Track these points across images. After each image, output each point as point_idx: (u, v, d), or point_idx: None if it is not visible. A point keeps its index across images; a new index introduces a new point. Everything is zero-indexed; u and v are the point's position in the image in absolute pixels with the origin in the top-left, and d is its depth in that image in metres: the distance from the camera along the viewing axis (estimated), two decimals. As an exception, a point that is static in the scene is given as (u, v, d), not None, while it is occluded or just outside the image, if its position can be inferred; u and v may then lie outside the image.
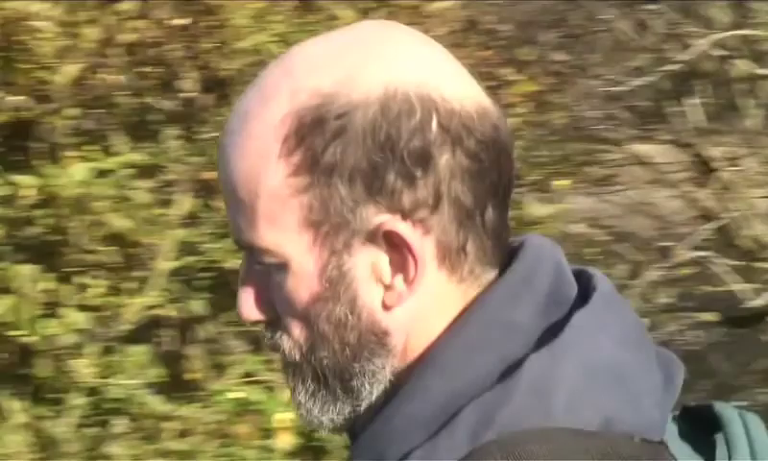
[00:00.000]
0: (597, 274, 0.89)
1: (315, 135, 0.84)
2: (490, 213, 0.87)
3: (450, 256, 0.86)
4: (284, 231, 0.86)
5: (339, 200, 0.84)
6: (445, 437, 0.80)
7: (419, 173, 0.84)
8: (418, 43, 0.90)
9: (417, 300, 0.86)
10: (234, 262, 3.53)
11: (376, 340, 0.87)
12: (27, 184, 3.82)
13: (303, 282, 0.86)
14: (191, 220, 3.98)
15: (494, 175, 0.87)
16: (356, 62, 0.86)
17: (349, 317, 0.86)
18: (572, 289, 0.87)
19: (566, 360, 0.81)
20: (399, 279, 0.85)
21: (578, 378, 0.81)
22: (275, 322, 0.89)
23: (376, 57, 0.87)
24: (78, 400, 3.78)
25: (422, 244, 0.84)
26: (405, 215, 0.84)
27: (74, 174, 3.81)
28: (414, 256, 0.84)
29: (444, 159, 0.84)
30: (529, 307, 0.85)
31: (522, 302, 0.85)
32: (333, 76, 0.85)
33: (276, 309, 0.88)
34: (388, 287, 0.86)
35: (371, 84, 0.84)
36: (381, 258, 0.86)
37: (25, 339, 3.74)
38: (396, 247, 0.85)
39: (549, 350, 0.81)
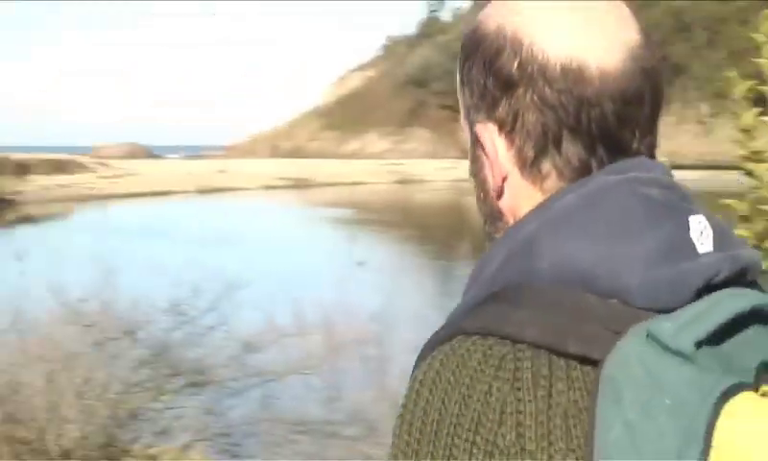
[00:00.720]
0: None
1: (465, 58, 1.25)
2: (568, 147, 1.14)
3: (527, 169, 1.17)
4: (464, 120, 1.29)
5: (470, 103, 1.23)
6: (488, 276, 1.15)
7: (500, 95, 1.17)
8: (554, 5, 1.18)
9: (511, 195, 1.20)
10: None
11: (498, 216, 1.23)
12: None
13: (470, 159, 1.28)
14: None
15: (573, 121, 1.13)
16: (494, 7, 1.23)
17: (482, 196, 1.25)
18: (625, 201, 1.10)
19: (566, 237, 1.08)
20: (490, 175, 1.22)
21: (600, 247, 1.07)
22: None
23: (505, 5, 1.21)
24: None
25: (504, 152, 1.18)
26: (499, 126, 1.18)
27: None
28: (488, 158, 1.20)
29: (520, 92, 1.15)
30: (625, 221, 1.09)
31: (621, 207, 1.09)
32: (483, 16, 1.24)
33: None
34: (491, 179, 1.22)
35: (491, 25, 1.20)
36: (482, 156, 1.23)
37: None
38: (484, 149, 1.21)
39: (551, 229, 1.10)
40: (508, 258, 1.13)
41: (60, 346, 8.30)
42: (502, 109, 1.18)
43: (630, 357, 0.99)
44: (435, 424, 1.04)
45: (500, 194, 1.21)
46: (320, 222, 46.11)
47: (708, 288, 1.04)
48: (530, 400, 1.02)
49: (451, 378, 1.05)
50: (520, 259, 1.11)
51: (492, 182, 1.22)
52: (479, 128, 1.21)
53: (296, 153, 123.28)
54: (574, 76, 1.13)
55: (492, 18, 1.21)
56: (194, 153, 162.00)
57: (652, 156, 1.20)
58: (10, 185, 68.89)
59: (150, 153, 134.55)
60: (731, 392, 0.93)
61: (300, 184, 73.80)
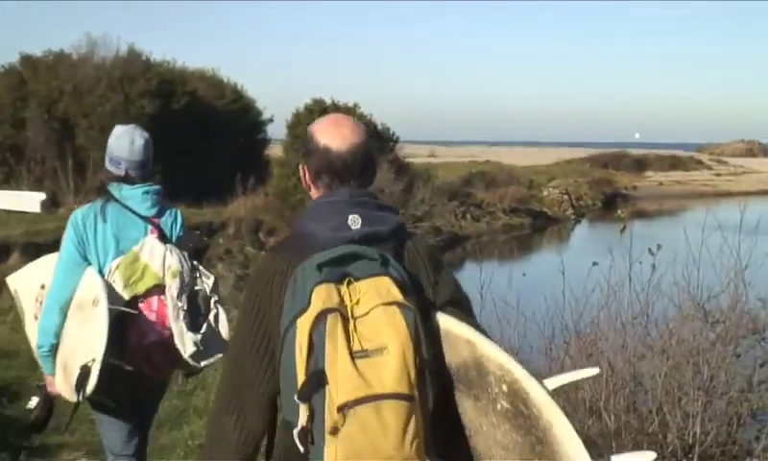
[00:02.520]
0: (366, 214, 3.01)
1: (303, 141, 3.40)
2: (323, 179, 3.08)
3: (312, 185, 3.14)
4: None
5: (300, 157, 3.23)
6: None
7: (306, 156, 3.13)
8: (332, 121, 3.18)
9: (310, 194, 3.16)
10: None
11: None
12: None
13: None
14: None
15: (325, 168, 3.07)
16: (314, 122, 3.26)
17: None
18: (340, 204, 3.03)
19: (313, 216, 3.03)
20: (305, 184, 3.20)
21: (316, 220, 3.00)
22: None
23: (315, 122, 3.21)
24: None
25: (307, 177, 3.16)
26: (306, 167, 3.15)
27: None
28: (304, 178, 3.17)
29: (310, 155, 3.11)
30: (320, 211, 3.02)
31: (316, 208, 3.04)
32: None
33: None
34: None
35: (309, 128, 3.21)
36: (303, 177, 3.21)
37: None
38: (304, 175, 3.18)
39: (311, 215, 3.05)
40: (295, 222, 3.10)
41: (684, 341, 8.29)
42: (307, 161, 3.12)
43: (305, 266, 2.76)
44: (249, 283, 3.10)
45: (308, 191, 3.16)
46: None
47: (354, 242, 2.87)
48: (279, 278, 2.91)
49: (260, 266, 3.10)
50: (296, 223, 3.07)
51: (306, 187, 3.18)
52: (302, 168, 3.19)
53: None
54: (327, 151, 3.04)
55: (310, 126, 3.18)
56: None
57: (362, 185, 3.07)
58: (626, 181, 70.48)
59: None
60: (322, 282, 2.70)
61: None
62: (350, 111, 33.22)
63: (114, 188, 5.23)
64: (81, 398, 4.88)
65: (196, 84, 37.96)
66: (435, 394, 2.80)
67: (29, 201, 27.88)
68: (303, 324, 2.67)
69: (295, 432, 2.72)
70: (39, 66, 35.60)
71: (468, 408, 2.97)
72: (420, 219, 30.65)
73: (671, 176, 74.37)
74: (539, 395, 2.73)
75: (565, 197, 62.57)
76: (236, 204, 31.43)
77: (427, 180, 35.27)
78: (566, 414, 2.78)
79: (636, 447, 7.89)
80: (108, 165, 5.33)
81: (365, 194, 3.04)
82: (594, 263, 9.22)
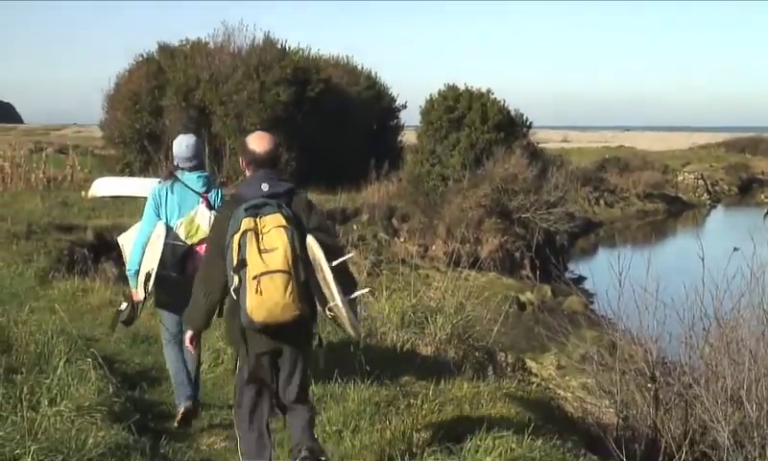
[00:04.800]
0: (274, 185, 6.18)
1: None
2: (252, 167, 6.28)
3: (247, 169, 6.34)
4: None
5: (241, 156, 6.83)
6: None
7: (243, 154, 6.44)
8: (257, 135, 6.44)
9: (246, 173, 6.38)
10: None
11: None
12: None
13: None
14: None
15: (253, 161, 6.28)
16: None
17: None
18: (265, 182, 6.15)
19: (245, 186, 6.28)
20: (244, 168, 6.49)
21: (247, 187, 6.23)
22: None
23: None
24: None
25: (243, 164, 6.42)
26: (246, 161, 6.35)
27: None
28: (242, 165, 6.44)
29: (246, 154, 6.33)
30: (249, 184, 6.24)
31: (247, 181, 6.29)
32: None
33: None
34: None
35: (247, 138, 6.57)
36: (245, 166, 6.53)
37: None
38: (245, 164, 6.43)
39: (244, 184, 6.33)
40: (237, 188, 6.71)
41: None
42: (244, 156, 6.39)
43: (239, 209, 5.94)
44: (215, 218, 6.93)
45: (245, 172, 6.39)
46: None
47: (264, 197, 6.03)
48: (227, 216, 6.03)
49: (220, 210, 7.01)
50: (237, 188, 6.58)
51: (243, 169, 6.45)
52: (241, 159, 6.47)
53: None
54: (253, 152, 6.26)
55: (246, 137, 6.53)
56: None
57: (271, 168, 6.26)
58: (764, 166, 68.93)
59: None
60: (247, 217, 5.88)
61: None
62: (483, 97, 33.13)
63: (179, 173, 8.46)
64: (146, 293, 8.18)
65: (330, 72, 38.19)
66: (303, 271, 5.88)
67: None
68: (235, 238, 5.82)
69: (232, 290, 5.86)
70: (177, 55, 36.56)
71: (315, 276, 6.04)
72: (554, 205, 30.37)
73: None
74: (324, 265, 5.88)
75: (701, 182, 61.55)
76: (370, 190, 31.64)
77: (560, 165, 34.97)
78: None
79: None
80: (174, 160, 8.57)
81: (272, 173, 6.27)
82: (736, 249, 9.11)
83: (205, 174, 8.51)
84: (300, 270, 5.81)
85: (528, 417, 8.40)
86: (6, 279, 15.18)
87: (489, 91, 33.51)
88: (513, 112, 33.78)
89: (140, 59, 37.73)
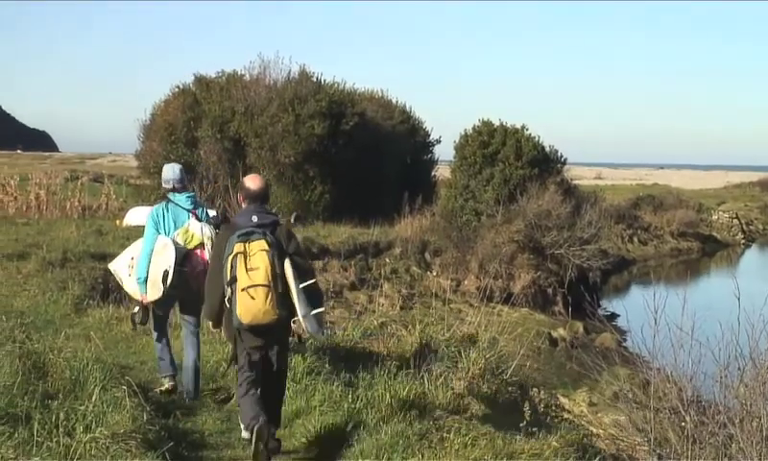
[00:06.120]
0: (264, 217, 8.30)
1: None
2: (247, 201, 8.43)
3: (243, 201, 8.51)
4: None
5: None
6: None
7: (241, 191, 8.61)
8: (251, 176, 8.67)
9: (243, 206, 8.61)
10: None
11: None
12: None
13: None
14: None
15: (248, 197, 8.43)
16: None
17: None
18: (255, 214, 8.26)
19: (239, 216, 8.48)
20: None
21: (241, 217, 8.39)
22: None
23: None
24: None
25: (240, 198, 8.69)
26: (242, 196, 8.56)
27: None
28: (239, 200, 8.84)
29: (241, 191, 8.60)
30: (242, 215, 8.40)
31: (241, 213, 8.45)
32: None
33: None
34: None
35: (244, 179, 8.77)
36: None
37: None
38: (241, 199, 8.72)
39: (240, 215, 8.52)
40: (234, 218, 8.86)
41: None
42: (240, 192, 8.66)
43: (233, 235, 8.05)
44: (217, 240, 8.87)
45: (240, 205, 8.72)
46: None
47: (253, 226, 8.12)
48: (225, 240, 8.17)
49: (220, 235, 8.71)
50: (234, 218, 8.85)
51: (238, 203, 8.96)
52: (239, 196, 8.76)
53: None
54: (248, 189, 8.44)
55: (243, 178, 8.84)
56: None
57: (261, 204, 8.42)
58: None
59: None
60: (238, 242, 7.99)
61: None
62: (517, 133, 33.12)
63: (171, 195, 10.56)
64: (165, 287, 10.06)
65: (365, 105, 38.15)
66: (281, 284, 7.93)
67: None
68: (229, 258, 7.94)
69: (226, 300, 8.03)
70: (213, 87, 36.66)
71: (291, 289, 8.01)
72: (587, 241, 30.26)
73: None
74: (293, 285, 7.99)
75: (735, 221, 61.18)
76: (403, 224, 31.62)
77: (594, 202, 34.86)
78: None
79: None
80: (164, 184, 10.72)
81: (261, 208, 8.34)
82: (774, 288, 9.07)
83: (192, 194, 10.86)
84: (279, 284, 7.97)
85: (562, 453, 8.38)
86: (41, 306, 15.34)
87: (523, 127, 33.49)
88: (547, 148, 33.73)
89: (176, 90, 38.02)
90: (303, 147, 32.90)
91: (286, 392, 9.20)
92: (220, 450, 8.64)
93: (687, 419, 8.99)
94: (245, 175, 9.12)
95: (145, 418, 8.30)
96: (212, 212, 11.22)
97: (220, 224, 10.34)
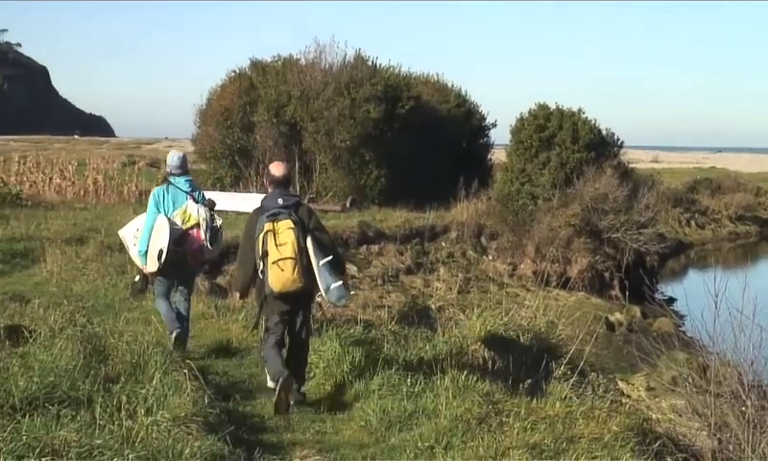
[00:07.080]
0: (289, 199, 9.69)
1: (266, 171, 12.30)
2: (273, 186, 9.77)
3: (268, 185, 9.95)
4: None
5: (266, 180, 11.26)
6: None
7: (267, 177, 10.22)
8: (275, 163, 10.12)
9: (268, 190, 10.02)
10: None
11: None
12: None
13: None
14: None
15: (273, 182, 9.80)
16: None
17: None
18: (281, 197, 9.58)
19: (267, 199, 9.69)
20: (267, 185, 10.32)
21: (268, 201, 9.61)
22: None
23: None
24: None
25: (266, 184, 10.31)
26: (268, 181, 10.08)
27: None
28: (266, 184, 10.72)
29: (267, 178, 10.17)
30: (269, 198, 9.65)
31: (268, 196, 9.71)
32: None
33: None
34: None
35: (270, 165, 10.33)
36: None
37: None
38: (268, 183, 10.15)
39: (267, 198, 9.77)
40: (262, 200, 9.75)
41: None
42: (266, 178, 10.49)
43: (263, 215, 9.35)
44: (248, 220, 9.74)
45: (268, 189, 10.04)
46: None
47: (279, 207, 9.38)
48: (255, 220, 9.45)
49: (251, 216, 9.71)
50: (262, 201, 9.73)
51: (266, 187, 10.34)
52: (265, 181, 11.73)
53: None
54: (273, 176, 9.79)
55: (269, 164, 10.65)
56: None
57: (285, 187, 9.74)
58: None
59: None
60: (267, 221, 9.27)
61: None
62: (574, 116, 32.89)
63: (171, 178, 11.84)
64: (160, 264, 11.28)
65: (420, 89, 38.14)
66: (305, 257, 9.22)
67: (257, 203, 28.68)
68: (259, 236, 9.24)
69: (259, 272, 9.29)
70: (269, 71, 36.80)
71: (313, 262, 9.27)
72: (644, 225, 30.01)
73: None
74: (314, 261, 9.26)
75: (794, 204, 60.40)
76: (459, 208, 31.57)
77: (651, 185, 34.56)
78: None
79: None
80: (167, 169, 12.03)
81: (285, 191, 9.69)
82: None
83: (190, 178, 12.14)
84: (304, 257, 9.24)
85: (622, 437, 8.33)
86: (100, 290, 15.57)
87: (580, 110, 33.23)
88: (604, 132, 33.48)
89: (233, 74, 38.18)
90: (359, 131, 32.98)
91: (311, 358, 10.51)
92: (280, 434, 8.66)
93: (748, 403, 8.92)
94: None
95: (206, 401, 8.38)
96: (208, 195, 12.51)
97: (213, 207, 11.82)
